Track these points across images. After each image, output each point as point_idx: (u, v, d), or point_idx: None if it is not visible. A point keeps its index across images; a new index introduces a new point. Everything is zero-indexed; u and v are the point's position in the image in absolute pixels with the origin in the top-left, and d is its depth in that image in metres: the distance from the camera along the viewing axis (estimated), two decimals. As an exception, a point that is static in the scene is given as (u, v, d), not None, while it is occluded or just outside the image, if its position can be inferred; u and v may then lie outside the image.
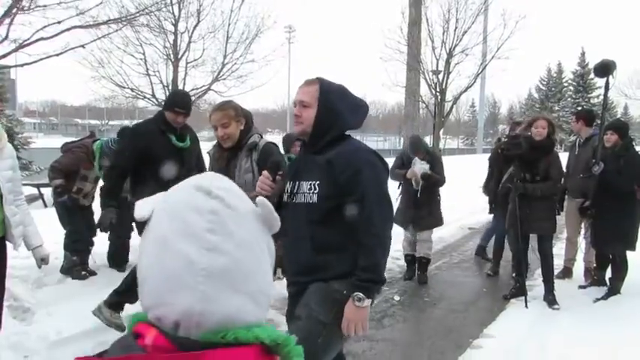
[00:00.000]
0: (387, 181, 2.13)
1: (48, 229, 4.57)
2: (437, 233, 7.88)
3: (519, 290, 4.81)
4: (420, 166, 5.25)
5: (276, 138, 2.94)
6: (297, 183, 2.10)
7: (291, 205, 2.12)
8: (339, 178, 1.98)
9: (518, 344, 3.77)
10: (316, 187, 2.03)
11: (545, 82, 40.39)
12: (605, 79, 4.38)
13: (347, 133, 2.18)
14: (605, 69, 4.31)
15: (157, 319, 0.66)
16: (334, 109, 2.06)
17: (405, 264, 5.66)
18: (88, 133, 5.28)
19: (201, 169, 3.83)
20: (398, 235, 5.46)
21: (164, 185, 3.87)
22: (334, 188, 1.99)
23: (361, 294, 1.94)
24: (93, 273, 4.76)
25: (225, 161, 3.14)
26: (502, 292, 5.16)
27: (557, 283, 4.80)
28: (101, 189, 4.59)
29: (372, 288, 1.97)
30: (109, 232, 4.86)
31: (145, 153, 3.44)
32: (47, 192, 6.31)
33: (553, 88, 39.46)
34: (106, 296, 3.51)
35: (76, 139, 5.04)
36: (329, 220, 2.00)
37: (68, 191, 4.64)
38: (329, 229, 2.01)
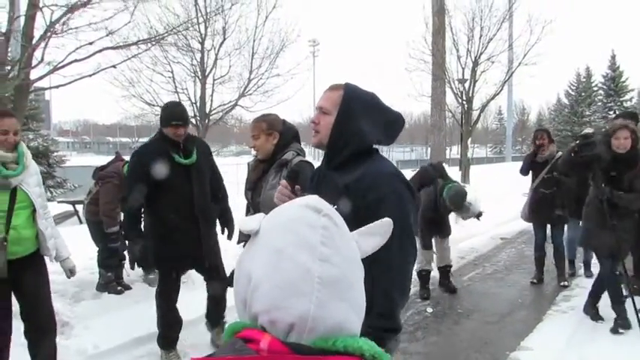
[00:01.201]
0: (413, 212, 1.81)
1: (83, 244, 4.71)
2: (468, 244, 7.78)
3: (625, 321, 4.19)
4: (478, 207, 5.26)
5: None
6: None
7: None
8: (359, 204, 1.72)
9: (557, 357, 3.67)
10: None
11: (574, 87, 39.34)
12: None
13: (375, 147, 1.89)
14: None
15: (270, 323, 0.70)
16: (355, 120, 1.79)
17: (419, 280, 5.26)
18: (115, 155, 5.20)
19: (217, 180, 3.75)
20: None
21: (174, 205, 3.76)
22: (351, 216, 1.70)
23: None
24: (128, 287, 4.86)
25: (260, 173, 3.13)
26: (539, 302, 5.03)
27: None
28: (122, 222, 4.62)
29: (385, 337, 1.71)
30: None
31: (151, 175, 3.33)
32: (82, 208, 6.46)
33: (583, 93, 38.39)
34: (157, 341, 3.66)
35: (105, 164, 5.00)
36: None
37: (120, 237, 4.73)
38: None
